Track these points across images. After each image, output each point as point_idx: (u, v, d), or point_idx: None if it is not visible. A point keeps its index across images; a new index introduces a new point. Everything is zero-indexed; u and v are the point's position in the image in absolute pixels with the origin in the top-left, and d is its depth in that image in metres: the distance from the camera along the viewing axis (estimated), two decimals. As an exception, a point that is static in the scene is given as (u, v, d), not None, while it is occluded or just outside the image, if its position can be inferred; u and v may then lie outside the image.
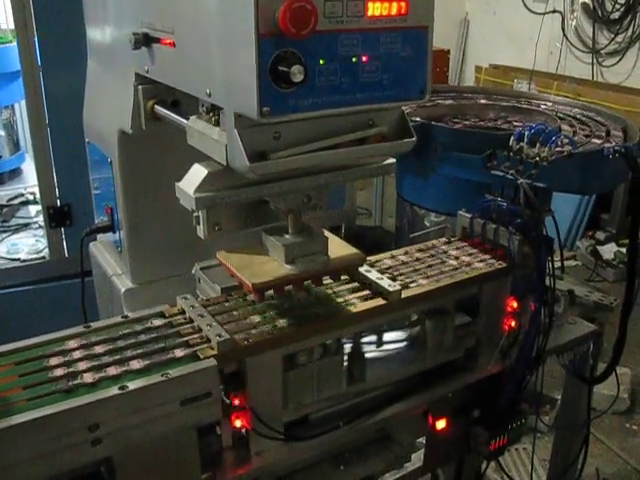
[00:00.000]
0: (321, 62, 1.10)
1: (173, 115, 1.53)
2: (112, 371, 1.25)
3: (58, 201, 3.23)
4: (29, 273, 3.31)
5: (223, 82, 1.17)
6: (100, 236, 2.16)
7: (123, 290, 1.90)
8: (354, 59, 1.14)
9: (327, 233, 1.45)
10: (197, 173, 1.28)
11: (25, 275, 3.30)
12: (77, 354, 1.31)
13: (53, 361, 1.29)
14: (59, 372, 1.25)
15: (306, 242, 1.39)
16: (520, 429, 1.81)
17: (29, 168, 4.58)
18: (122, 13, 1.64)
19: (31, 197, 4.10)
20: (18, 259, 3.38)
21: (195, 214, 1.31)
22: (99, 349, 1.32)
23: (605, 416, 3.77)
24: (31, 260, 3.37)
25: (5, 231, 3.73)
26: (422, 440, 1.95)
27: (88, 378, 1.23)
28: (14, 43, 3.58)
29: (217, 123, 1.27)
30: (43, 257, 3.38)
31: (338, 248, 1.46)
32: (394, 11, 1.14)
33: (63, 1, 2.80)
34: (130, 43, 1.47)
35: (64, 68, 2.91)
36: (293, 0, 1.02)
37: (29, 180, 4.40)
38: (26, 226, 3.78)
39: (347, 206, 3.74)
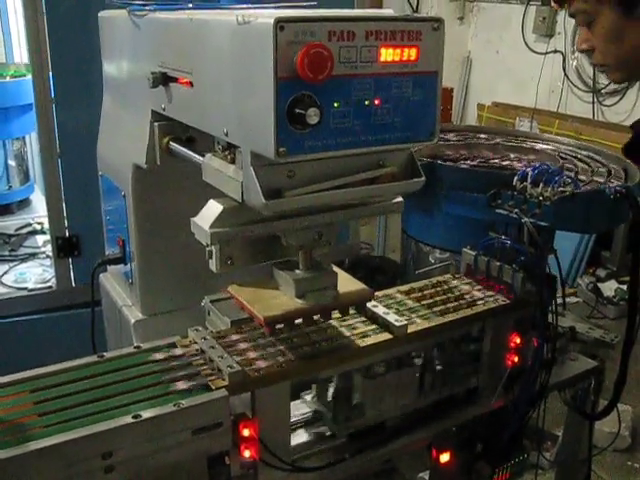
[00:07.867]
0: (335, 105, 1.15)
1: (188, 152, 1.57)
2: (126, 400, 1.28)
3: (67, 231, 3.26)
4: (36, 302, 3.33)
5: (240, 122, 1.22)
6: (110, 267, 2.19)
7: (133, 321, 1.93)
8: (367, 102, 1.18)
9: (336, 269, 1.48)
10: (212, 209, 1.32)
11: (32, 304, 3.32)
12: (93, 382, 1.33)
13: (69, 389, 1.31)
14: (75, 399, 1.28)
15: (316, 277, 1.43)
16: (522, 464, 1.83)
17: (37, 199, 4.65)
18: (140, 52, 1.69)
19: (39, 227, 4.14)
20: (25, 288, 3.40)
21: (208, 248, 1.33)
22: (113, 378, 1.35)
23: (607, 454, 3.76)
24: (38, 290, 3.38)
25: (12, 260, 3.76)
26: (425, 476, 1.97)
27: (102, 406, 1.26)
28: (28, 77, 3.66)
29: (232, 161, 1.31)
30: (50, 287, 3.40)
31: (347, 283, 1.50)
32: (406, 57, 1.20)
33: (79, 36, 2.85)
34: (148, 81, 1.52)
35: (78, 102, 2.98)
36: (311, 46, 1.07)
37: (37, 210, 4.45)
38: (33, 256, 3.81)
39: (351, 241, 3.78)
